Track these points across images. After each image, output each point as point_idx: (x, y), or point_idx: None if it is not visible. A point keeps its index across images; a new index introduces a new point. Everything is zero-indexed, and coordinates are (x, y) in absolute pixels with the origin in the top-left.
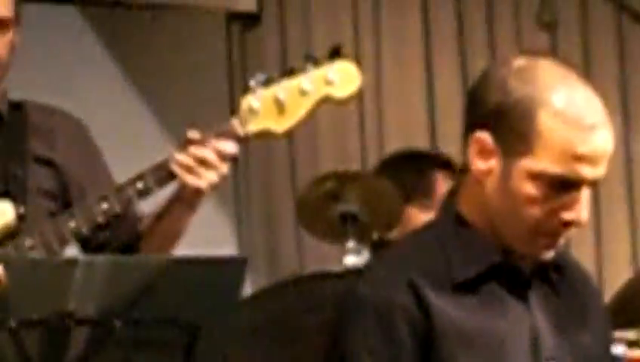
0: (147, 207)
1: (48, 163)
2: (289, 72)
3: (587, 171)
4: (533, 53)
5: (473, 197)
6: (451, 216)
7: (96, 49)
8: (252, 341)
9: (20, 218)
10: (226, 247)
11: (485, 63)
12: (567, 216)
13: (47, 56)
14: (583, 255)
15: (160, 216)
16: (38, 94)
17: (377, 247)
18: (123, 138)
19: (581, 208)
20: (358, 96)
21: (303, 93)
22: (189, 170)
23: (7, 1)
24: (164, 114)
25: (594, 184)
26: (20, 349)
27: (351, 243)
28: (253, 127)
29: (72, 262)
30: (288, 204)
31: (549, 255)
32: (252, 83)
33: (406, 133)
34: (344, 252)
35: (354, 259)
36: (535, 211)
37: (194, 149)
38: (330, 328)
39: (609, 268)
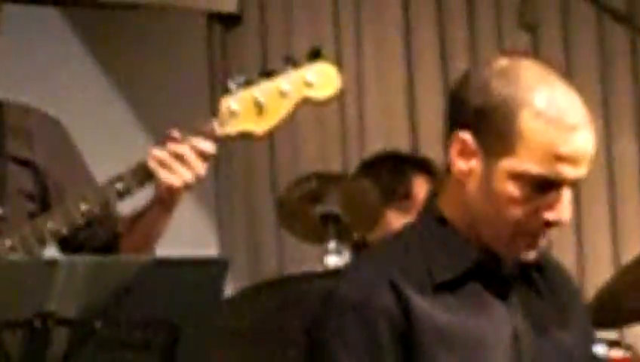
0: (127, 207)
1: (27, 163)
2: (268, 74)
3: (569, 171)
4: (515, 53)
5: (454, 198)
6: (433, 216)
7: (77, 50)
8: (233, 341)
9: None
10: (207, 248)
11: (466, 64)
12: (548, 216)
13: (25, 57)
14: (564, 255)
15: (138, 216)
16: (16, 94)
17: (358, 248)
18: (103, 138)
19: (563, 208)
20: (339, 97)
21: (282, 94)
22: (163, 164)
23: None
24: (145, 114)
25: (575, 184)
26: (1, 350)
27: (332, 244)
28: (233, 128)
29: (53, 263)
30: (269, 205)
31: (530, 255)
32: (231, 84)
33: (387, 134)
34: (325, 252)
35: (335, 259)
36: (516, 211)
37: (171, 145)
38: (311, 328)
39: (590, 269)
